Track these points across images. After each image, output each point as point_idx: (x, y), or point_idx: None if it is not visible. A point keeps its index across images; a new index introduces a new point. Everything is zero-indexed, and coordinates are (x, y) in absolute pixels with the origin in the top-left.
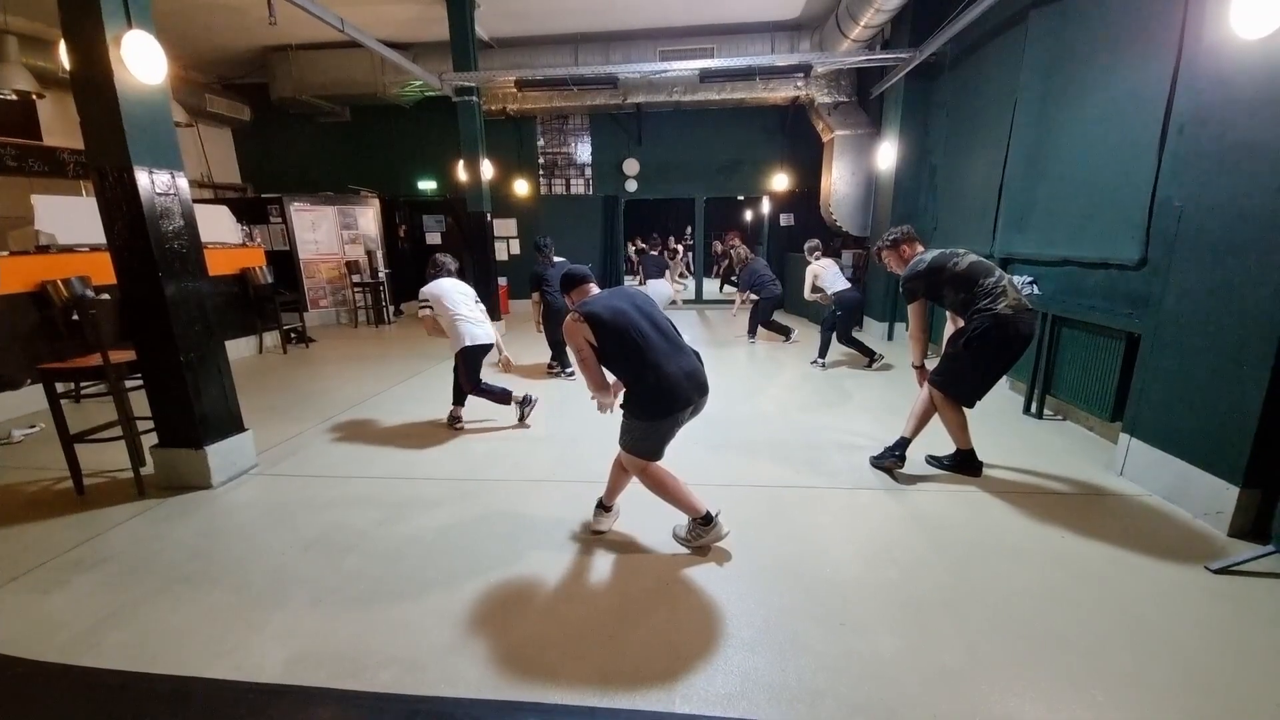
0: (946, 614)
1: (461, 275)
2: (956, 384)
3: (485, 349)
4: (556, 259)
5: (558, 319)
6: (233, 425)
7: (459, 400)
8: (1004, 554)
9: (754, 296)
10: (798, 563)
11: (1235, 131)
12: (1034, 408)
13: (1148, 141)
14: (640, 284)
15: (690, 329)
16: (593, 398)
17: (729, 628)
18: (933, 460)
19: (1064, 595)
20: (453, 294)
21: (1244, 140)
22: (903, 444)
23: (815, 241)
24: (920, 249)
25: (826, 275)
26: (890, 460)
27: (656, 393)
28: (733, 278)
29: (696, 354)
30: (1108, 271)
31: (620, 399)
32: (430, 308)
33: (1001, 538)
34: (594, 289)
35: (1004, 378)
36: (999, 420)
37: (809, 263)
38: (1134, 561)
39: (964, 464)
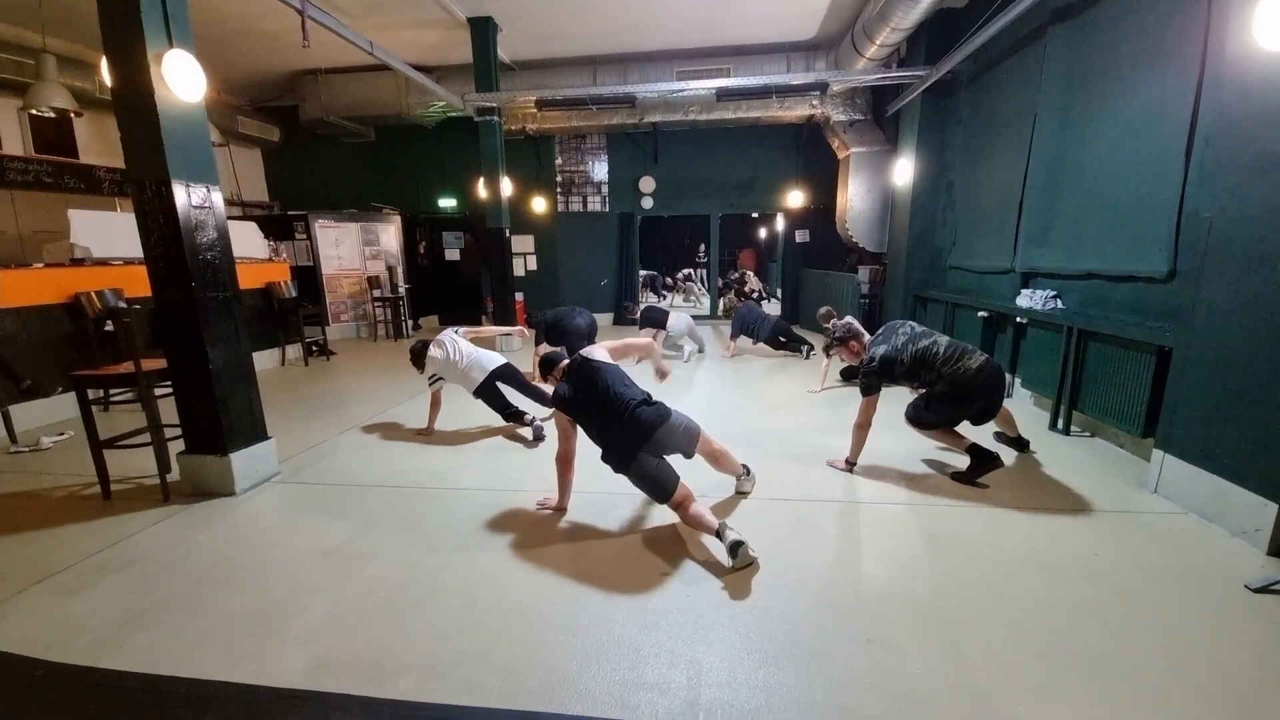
0: (977, 631)
1: None
2: (949, 418)
3: (496, 374)
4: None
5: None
6: (257, 433)
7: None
8: (1035, 571)
9: (761, 342)
10: (821, 577)
11: (1263, 142)
12: (1060, 424)
13: (1173, 154)
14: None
15: (709, 343)
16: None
17: (752, 641)
18: (957, 476)
19: (1099, 614)
20: (450, 341)
21: (1273, 150)
22: (976, 450)
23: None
24: (866, 340)
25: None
26: (985, 470)
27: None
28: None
29: (650, 403)
30: (1135, 284)
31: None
32: (441, 379)
33: (1032, 555)
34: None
35: (1028, 393)
36: (1026, 436)
37: (827, 359)
38: (1171, 580)
39: (983, 460)
